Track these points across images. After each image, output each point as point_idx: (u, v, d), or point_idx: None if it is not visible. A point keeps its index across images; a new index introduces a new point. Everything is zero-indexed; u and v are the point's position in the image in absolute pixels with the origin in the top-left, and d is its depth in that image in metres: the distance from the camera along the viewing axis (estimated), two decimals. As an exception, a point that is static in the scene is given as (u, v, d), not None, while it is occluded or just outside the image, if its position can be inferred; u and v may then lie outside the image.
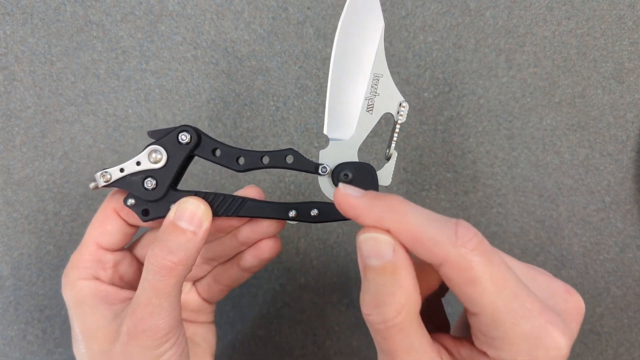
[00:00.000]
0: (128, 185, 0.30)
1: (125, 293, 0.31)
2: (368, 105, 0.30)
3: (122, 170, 0.30)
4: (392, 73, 0.44)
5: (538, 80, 0.44)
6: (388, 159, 0.31)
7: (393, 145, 0.31)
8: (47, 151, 0.43)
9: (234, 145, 0.31)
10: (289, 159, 0.31)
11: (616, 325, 0.46)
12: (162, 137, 0.30)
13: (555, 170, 0.45)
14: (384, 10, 0.43)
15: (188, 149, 0.30)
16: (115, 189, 0.31)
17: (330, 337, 0.46)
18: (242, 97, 0.44)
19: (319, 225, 0.45)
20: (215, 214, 0.30)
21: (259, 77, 0.43)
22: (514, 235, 0.45)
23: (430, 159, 0.45)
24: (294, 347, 0.46)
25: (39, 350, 0.44)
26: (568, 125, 0.44)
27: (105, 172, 0.30)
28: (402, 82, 0.44)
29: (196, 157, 0.31)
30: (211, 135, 0.43)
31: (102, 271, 0.31)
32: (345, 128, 0.30)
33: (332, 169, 0.30)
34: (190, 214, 0.28)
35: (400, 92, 0.44)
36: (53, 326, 0.44)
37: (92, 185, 0.30)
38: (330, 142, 0.31)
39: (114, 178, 0.30)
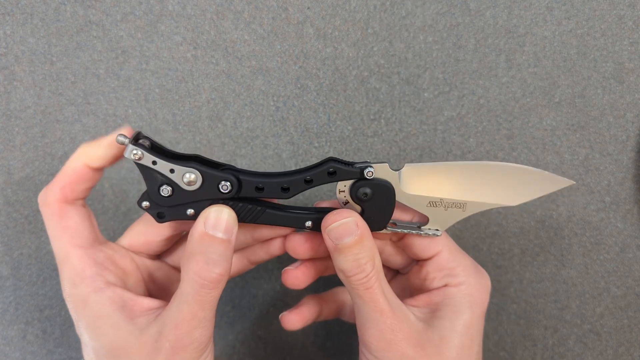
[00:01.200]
0: (149, 177, 0.29)
1: (143, 301, 0.29)
2: (437, 202, 0.31)
3: (154, 162, 0.29)
4: (392, 73, 0.44)
5: (538, 80, 0.44)
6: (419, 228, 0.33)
7: (401, 232, 0.32)
8: (47, 151, 0.43)
9: (271, 172, 0.31)
10: (330, 171, 0.30)
11: (616, 325, 0.46)
12: (208, 170, 0.29)
13: (555, 170, 0.45)
14: (384, 11, 0.43)
15: (224, 197, 0.30)
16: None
17: (330, 337, 0.46)
18: (242, 97, 0.44)
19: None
20: None
21: (258, 77, 0.43)
22: (514, 235, 0.45)
23: (430, 159, 0.45)
24: (294, 347, 0.46)
25: (39, 350, 0.44)
26: (568, 125, 0.44)
27: (138, 151, 0.28)
28: (402, 82, 0.44)
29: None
30: (211, 135, 0.43)
31: (108, 272, 0.30)
32: (414, 182, 0.31)
33: (358, 180, 0.31)
34: (221, 222, 0.28)
35: (400, 92, 0.45)
36: (53, 326, 0.44)
37: (119, 139, 0.28)
38: (403, 168, 0.31)
39: (143, 162, 0.28)
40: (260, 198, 0.31)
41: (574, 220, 0.45)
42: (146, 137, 0.30)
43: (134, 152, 0.28)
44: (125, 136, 0.28)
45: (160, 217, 0.30)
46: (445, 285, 0.32)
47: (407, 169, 0.31)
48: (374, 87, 0.44)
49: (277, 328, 0.46)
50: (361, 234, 0.29)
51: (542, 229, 0.45)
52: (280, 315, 0.35)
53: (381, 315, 0.29)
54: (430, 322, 0.31)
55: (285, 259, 0.45)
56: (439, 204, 0.31)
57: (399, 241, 0.34)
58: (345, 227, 0.29)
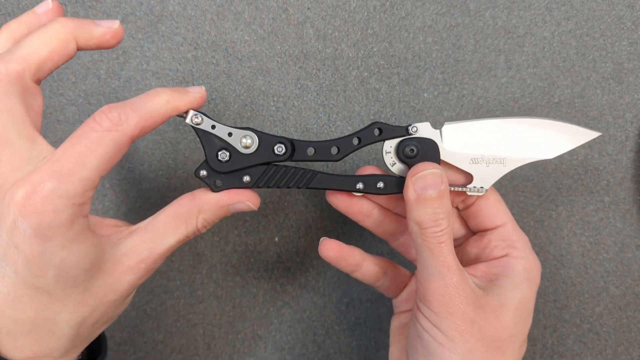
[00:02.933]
0: (207, 142, 0.30)
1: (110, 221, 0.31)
2: (478, 157, 0.33)
3: (213, 127, 0.30)
4: (391, 74, 0.44)
5: (537, 81, 0.44)
6: None
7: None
8: (48, 151, 0.43)
9: (322, 140, 0.32)
10: (376, 132, 0.32)
11: (615, 325, 0.46)
12: (264, 133, 0.31)
13: (555, 170, 0.45)
14: (383, 12, 0.43)
15: (279, 159, 0.31)
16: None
17: (330, 337, 0.47)
18: (243, 98, 0.44)
19: (319, 225, 0.45)
20: (287, 185, 0.32)
21: (259, 77, 0.44)
22: (513, 235, 0.46)
23: (429, 159, 0.45)
24: (294, 346, 0.47)
25: (40, 349, 0.44)
26: (567, 125, 0.45)
27: (199, 115, 0.30)
28: (402, 83, 0.44)
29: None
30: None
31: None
32: (455, 140, 0.33)
33: (407, 138, 0.32)
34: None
35: (400, 93, 0.45)
36: (54, 326, 0.44)
37: (184, 115, 0.29)
38: (442, 129, 0.32)
39: (202, 127, 0.30)
40: (312, 160, 0.32)
41: (573, 220, 0.45)
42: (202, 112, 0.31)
43: (195, 116, 0.30)
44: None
45: (216, 186, 0.31)
46: (505, 255, 0.33)
47: (447, 127, 0.32)
48: (373, 88, 0.44)
49: (277, 328, 0.46)
50: (445, 189, 0.30)
51: (541, 228, 0.46)
52: (321, 238, 0.35)
53: (448, 271, 0.29)
54: (490, 290, 0.31)
55: (284, 259, 0.46)
56: (480, 161, 0.32)
57: (466, 210, 0.35)
58: (433, 177, 0.30)
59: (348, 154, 0.32)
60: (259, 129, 0.31)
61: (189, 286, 0.45)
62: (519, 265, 0.32)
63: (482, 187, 0.33)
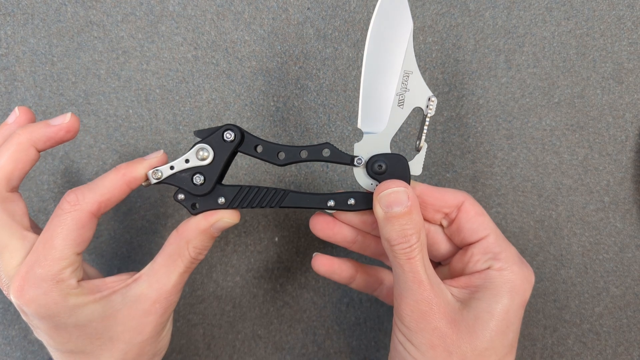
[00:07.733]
0: (178, 181, 0.32)
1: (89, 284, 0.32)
2: (399, 101, 0.33)
3: (172, 167, 0.32)
4: (391, 73, 0.44)
5: (537, 81, 0.44)
6: (418, 150, 0.34)
7: (423, 137, 0.33)
8: (47, 151, 0.43)
9: (275, 142, 0.33)
10: (325, 152, 0.33)
11: (615, 325, 0.46)
12: (208, 136, 0.32)
13: (555, 170, 0.45)
14: (383, 11, 0.43)
15: (232, 146, 0.32)
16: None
17: (330, 337, 0.47)
18: (243, 98, 0.44)
19: (319, 225, 0.45)
20: (260, 205, 0.33)
21: (259, 77, 0.44)
22: (513, 235, 0.46)
23: (429, 159, 0.45)
24: (294, 346, 0.47)
25: (40, 349, 0.45)
26: (567, 125, 0.45)
27: (157, 170, 0.32)
28: (402, 83, 0.44)
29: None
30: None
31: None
32: (377, 122, 0.33)
33: (367, 160, 0.33)
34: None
35: (400, 93, 0.44)
36: (54, 326, 0.44)
37: (144, 183, 0.32)
38: (364, 135, 0.33)
39: (165, 175, 0.32)
40: (257, 157, 0.33)
41: (573, 220, 0.45)
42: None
43: (154, 173, 0.31)
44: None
45: (194, 209, 0.32)
46: (488, 268, 0.33)
47: (363, 126, 0.33)
48: (373, 88, 0.44)
49: (277, 328, 0.46)
50: (411, 205, 0.30)
51: (541, 228, 0.46)
52: (314, 253, 0.37)
53: (419, 287, 0.30)
54: (468, 303, 0.31)
55: (284, 259, 0.46)
56: (402, 96, 0.32)
57: (449, 226, 0.35)
58: (397, 196, 0.31)
59: (293, 163, 0.33)
60: (203, 127, 0.32)
61: (189, 286, 0.45)
62: (500, 277, 0.32)
63: (431, 101, 0.32)
